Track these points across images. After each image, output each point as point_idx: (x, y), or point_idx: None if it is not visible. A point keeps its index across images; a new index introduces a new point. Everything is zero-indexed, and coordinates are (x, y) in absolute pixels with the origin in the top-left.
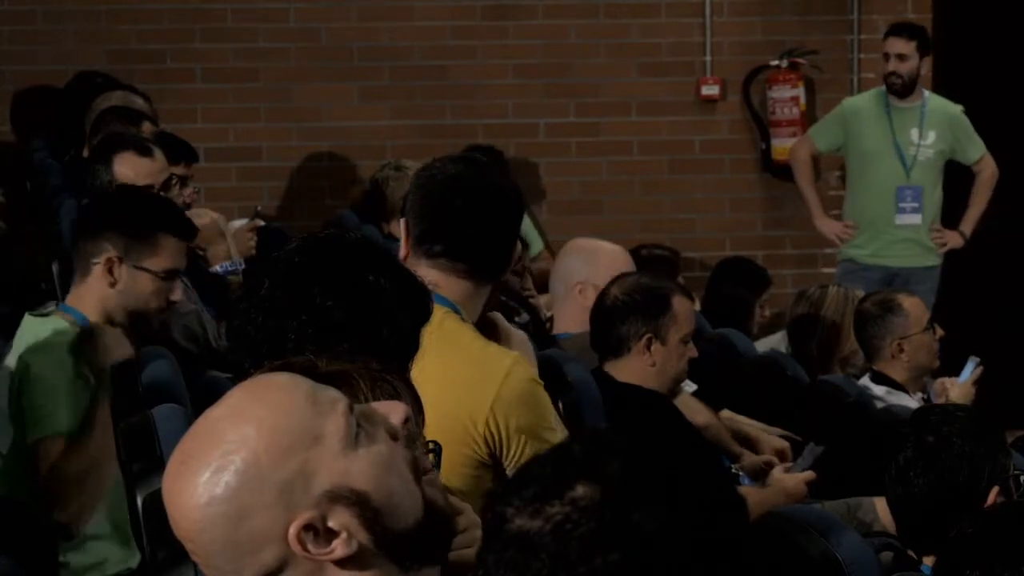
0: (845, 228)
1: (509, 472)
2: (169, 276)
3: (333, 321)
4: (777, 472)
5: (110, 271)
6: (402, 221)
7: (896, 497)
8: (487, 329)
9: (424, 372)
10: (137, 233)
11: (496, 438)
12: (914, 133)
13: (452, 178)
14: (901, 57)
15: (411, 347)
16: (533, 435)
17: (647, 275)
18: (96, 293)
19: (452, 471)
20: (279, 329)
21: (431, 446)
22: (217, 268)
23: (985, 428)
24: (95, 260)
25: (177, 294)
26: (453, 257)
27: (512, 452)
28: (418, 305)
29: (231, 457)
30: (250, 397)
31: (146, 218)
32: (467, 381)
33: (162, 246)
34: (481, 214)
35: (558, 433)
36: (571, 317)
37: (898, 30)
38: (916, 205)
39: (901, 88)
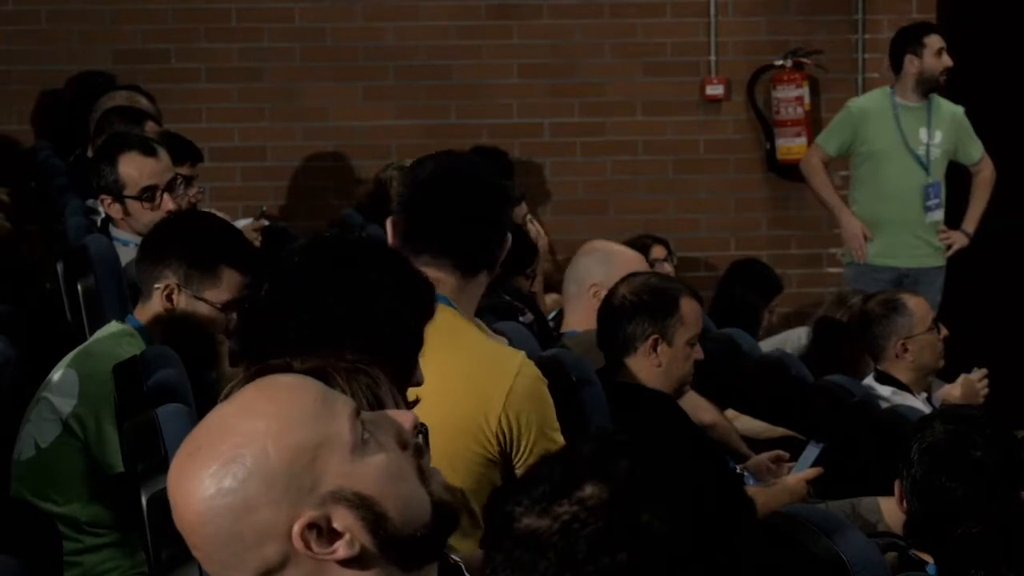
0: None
1: (518, 469)
2: (228, 307)
3: (334, 320)
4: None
5: (169, 298)
6: (388, 221)
7: (903, 497)
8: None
9: (427, 369)
10: (199, 264)
11: (508, 435)
12: (923, 133)
13: (429, 175)
14: (945, 52)
15: (415, 344)
16: (541, 433)
17: (656, 276)
18: (156, 316)
19: (460, 467)
20: (281, 328)
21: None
22: None
23: (999, 431)
24: (156, 285)
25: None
26: (435, 253)
27: (523, 449)
28: (421, 302)
29: (240, 451)
30: (261, 395)
31: (210, 249)
32: (478, 379)
33: (223, 278)
34: (457, 207)
35: (560, 435)
36: (581, 317)
37: (933, 27)
38: (938, 201)
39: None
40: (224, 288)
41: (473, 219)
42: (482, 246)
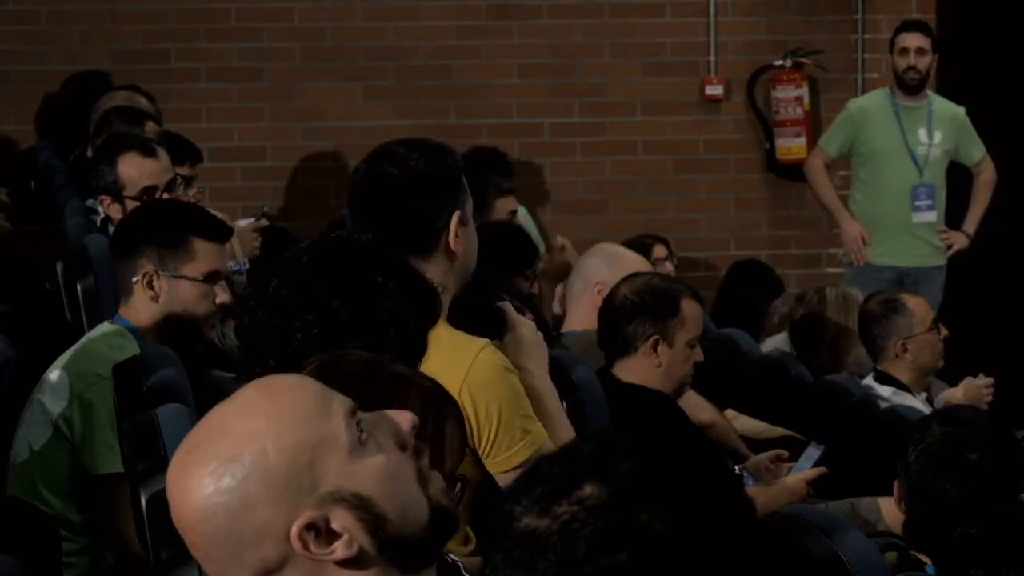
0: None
1: (486, 460)
2: (210, 279)
3: (338, 321)
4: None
5: (150, 286)
6: None
7: (902, 498)
8: (495, 318)
9: None
10: (170, 243)
11: (467, 425)
12: (922, 133)
13: (354, 174)
14: (921, 51)
15: (418, 349)
16: (507, 421)
17: (658, 276)
18: (142, 310)
19: None
20: (286, 329)
21: (456, 488)
22: None
23: (997, 433)
24: (134, 279)
25: (224, 296)
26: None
27: (485, 438)
28: (425, 307)
29: (239, 449)
30: (260, 394)
31: (175, 225)
32: (434, 369)
33: (197, 251)
34: (379, 193)
35: (537, 423)
36: (584, 314)
37: (913, 26)
38: (930, 203)
39: (919, 84)
40: (200, 261)
41: (396, 202)
42: (420, 222)
